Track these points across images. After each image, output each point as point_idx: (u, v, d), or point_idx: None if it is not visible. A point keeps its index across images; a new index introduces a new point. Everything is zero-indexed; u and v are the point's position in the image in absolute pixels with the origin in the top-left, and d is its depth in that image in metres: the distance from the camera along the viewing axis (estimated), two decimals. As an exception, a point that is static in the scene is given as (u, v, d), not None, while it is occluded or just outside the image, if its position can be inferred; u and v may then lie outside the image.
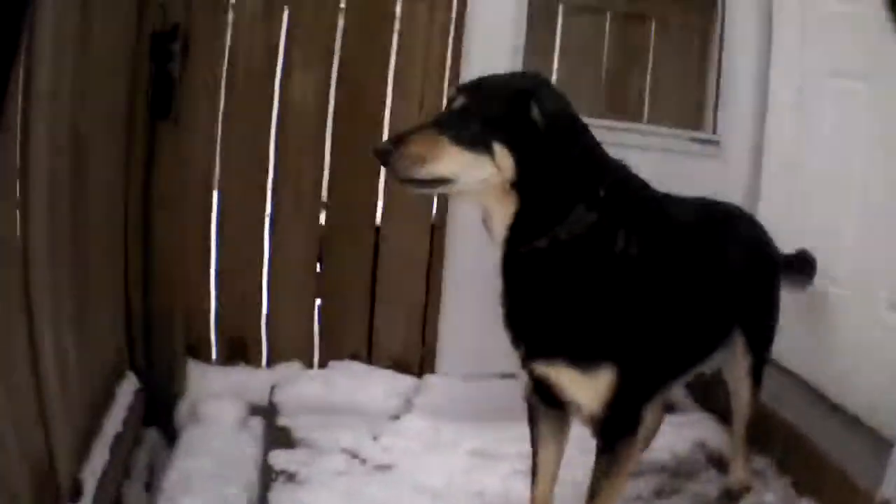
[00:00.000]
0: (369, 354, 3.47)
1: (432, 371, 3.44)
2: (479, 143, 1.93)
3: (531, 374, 2.14)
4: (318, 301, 3.45)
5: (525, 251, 2.00)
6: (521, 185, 1.95)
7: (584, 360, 2.04)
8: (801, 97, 3.31)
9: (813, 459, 2.73)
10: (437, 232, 3.42)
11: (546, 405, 2.26)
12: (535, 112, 1.92)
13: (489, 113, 1.95)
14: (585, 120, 2.08)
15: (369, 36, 3.32)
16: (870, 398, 2.75)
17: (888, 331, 2.72)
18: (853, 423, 2.81)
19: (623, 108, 3.66)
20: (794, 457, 2.86)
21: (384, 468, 2.85)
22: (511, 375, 2.99)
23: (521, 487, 2.57)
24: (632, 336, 2.05)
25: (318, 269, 3.43)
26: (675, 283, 2.12)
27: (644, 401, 2.19)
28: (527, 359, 2.12)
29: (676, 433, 3.08)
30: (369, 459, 2.89)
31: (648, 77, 3.69)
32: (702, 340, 2.43)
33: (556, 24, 3.53)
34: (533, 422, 2.35)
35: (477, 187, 1.98)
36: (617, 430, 2.12)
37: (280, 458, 2.83)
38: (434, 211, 3.41)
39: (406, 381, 3.37)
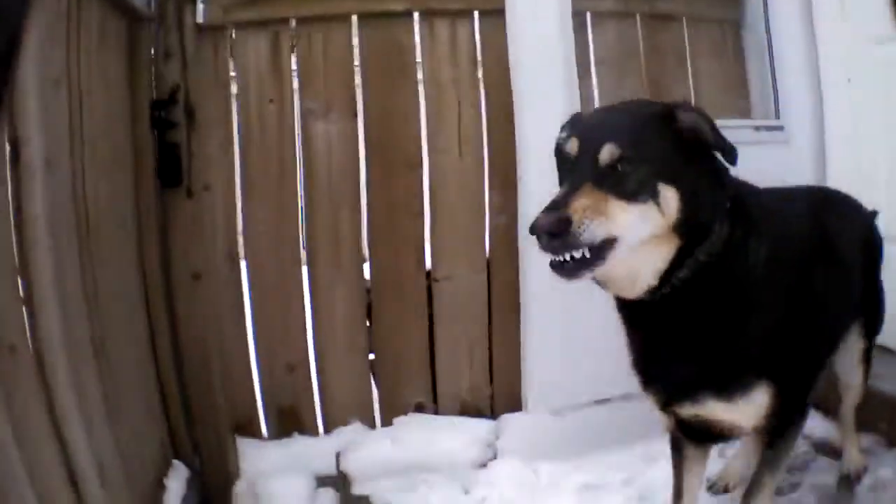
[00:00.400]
0: (435, 403, 3.24)
1: (505, 410, 3.18)
2: (644, 191, 1.67)
3: (674, 415, 2.00)
4: (371, 356, 3.23)
5: (667, 290, 1.78)
6: (682, 222, 1.72)
7: (736, 387, 1.88)
8: (850, 69, 3.27)
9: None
10: (493, 265, 3.22)
11: (693, 440, 2.13)
12: (696, 118, 1.73)
13: (645, 152, 1.69)
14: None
15: (390, 71, 3.15)
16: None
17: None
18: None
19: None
20: (903, 428, 2.81)
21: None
22: (602, 401, 2.78)
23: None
24: (780, 346, 1.91)
25: (367, 324, 3.21)
26: (808, 281, 2.00)
27: (804, 398, 2.07)
28: (668, 402, 1.97)
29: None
30: (468, 515, 2.67)
31: (690, 75, 3.57)
32: (836, 331, 2.30)
33: (587, 35, 3.40)
34: (677, 449, 2.21)
35: (637, 245, 1.71)
36: (783, 429, 2.02)
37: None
38: (487, 245, 3.22)
39: (482, 425, 3.11)
